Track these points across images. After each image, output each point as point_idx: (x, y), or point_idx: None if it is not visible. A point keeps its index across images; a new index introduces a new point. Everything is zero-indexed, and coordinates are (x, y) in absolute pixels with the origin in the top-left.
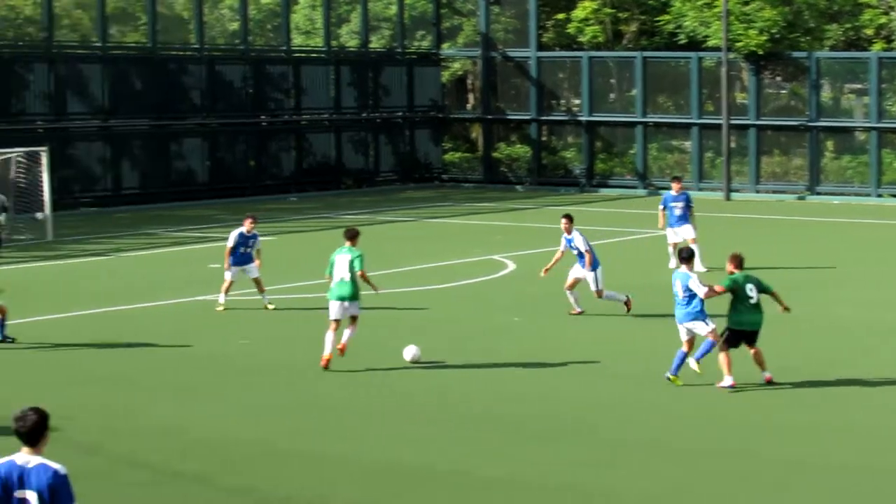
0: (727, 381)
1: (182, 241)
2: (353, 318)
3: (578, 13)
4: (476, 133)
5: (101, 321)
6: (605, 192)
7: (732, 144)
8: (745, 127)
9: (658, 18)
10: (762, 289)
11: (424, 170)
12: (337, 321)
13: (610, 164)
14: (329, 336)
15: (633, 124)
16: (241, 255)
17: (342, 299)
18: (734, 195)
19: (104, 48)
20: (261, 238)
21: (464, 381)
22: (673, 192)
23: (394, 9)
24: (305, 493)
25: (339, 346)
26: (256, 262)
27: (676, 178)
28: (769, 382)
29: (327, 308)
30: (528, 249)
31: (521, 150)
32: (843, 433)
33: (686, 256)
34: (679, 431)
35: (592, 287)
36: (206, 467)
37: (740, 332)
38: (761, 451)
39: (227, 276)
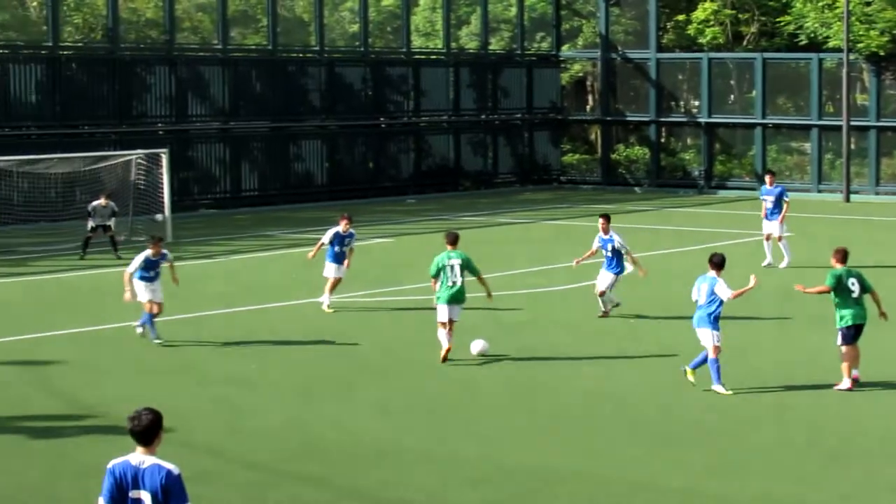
0: (845, 383)
1: (300, 243)
2: (453, 322)
3: (699, 14)
4: (595, 134)
5: (219, 322)
6: (723, 193)
7: (852, 146)
8: (866, 128)
9: (778, 20)
10: (864, 286)
11: (543, 171)
12: (444, 323)
13: (729, 165)
14: (442, 332)
15: (752, 126)
16: (337, 253)
17: (456, 302)
18: (854, 197)
19: (225, 50)
20: (356, 238)
21: (584, 381)
22: (767, 186)
23: (513, 10)
24: (423, 494)
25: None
26: (345, 263)
27: (770, 172)
28: (855, 381)
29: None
30: (646, 252)
31: (640, 152)
32: None
33: (717, 262)
34: (795, 435)
35: (604, 287)
36: (323, 468)
37: (848, 328)
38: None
39: (330, 274)
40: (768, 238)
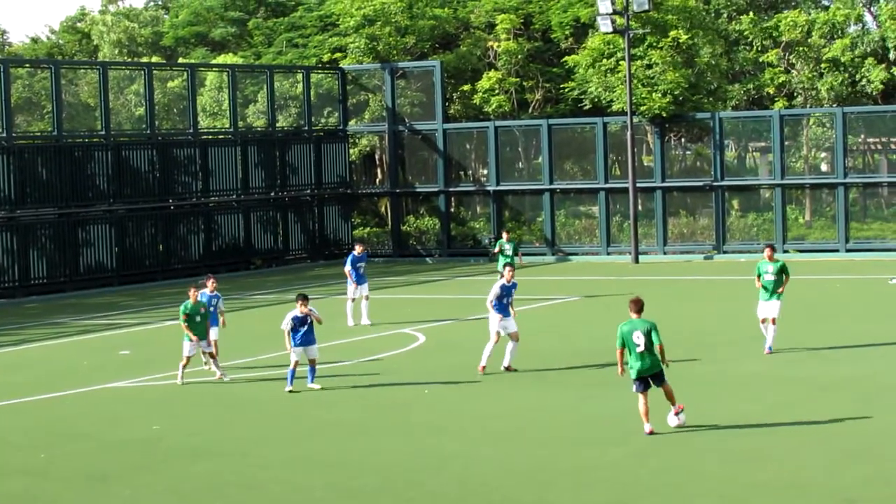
0: None
1: (91, 329)
2: None
3: (483, 83)
4: (385, 207)
5: (5, 414)
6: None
7: (639, 207)
8: (652, 189)
9: (562, 85)
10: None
11: (334, 246)
12: None
13: (518, 232)
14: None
15: (540, 192)
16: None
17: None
18: (642, 258)
19: (8, 139)
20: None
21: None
22: (357, 253)
23: (300, 87)
24: None
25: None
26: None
27: (360, 241)
28: None
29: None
30: (438, 321)
31: (430, 223)
32: None
33: (303, 298)
34: None
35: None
36: None
37: None
38: None
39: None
40: (354, 301)
